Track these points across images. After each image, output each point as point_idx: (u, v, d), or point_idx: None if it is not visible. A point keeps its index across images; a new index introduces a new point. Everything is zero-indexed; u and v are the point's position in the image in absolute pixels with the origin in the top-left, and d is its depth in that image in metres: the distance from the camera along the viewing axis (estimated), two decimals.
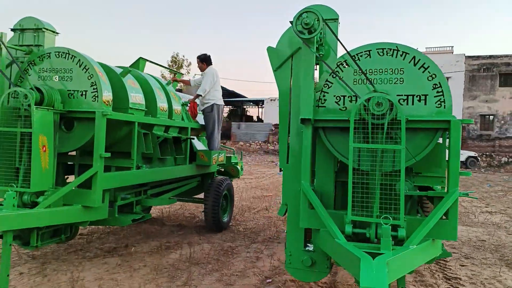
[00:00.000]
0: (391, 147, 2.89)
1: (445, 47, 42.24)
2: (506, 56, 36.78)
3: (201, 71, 6.28)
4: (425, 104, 3.16)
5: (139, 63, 5.71)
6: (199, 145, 6.47)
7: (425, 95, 3.17)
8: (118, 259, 4.70)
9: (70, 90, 4.03)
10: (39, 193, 3.76)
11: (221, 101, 6.16)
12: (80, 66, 4.01)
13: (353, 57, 3.17)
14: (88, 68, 3.99)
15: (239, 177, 7.44)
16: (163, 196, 5.41)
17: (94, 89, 3.97)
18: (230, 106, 48.16)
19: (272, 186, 12.93)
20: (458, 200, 3.05)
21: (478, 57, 36.96)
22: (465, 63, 36.95)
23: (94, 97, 3.96)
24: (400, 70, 3.23)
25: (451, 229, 3.05)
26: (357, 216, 3.02)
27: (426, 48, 42.46)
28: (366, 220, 2.95)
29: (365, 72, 3.26)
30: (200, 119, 6.31)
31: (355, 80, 3.32)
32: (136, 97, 4.57)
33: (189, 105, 6.02)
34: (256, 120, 48.01)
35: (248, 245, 5.60)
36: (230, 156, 7.16)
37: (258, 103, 46.58)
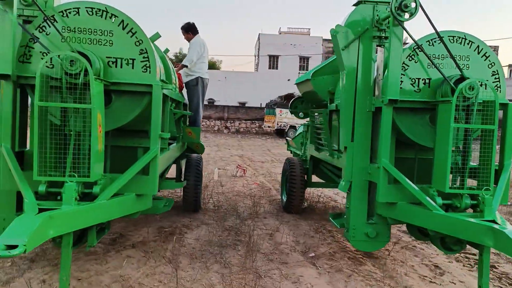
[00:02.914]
0: (484, 127, 3.27)
1: (303, 28, 45.78)
2: None
3: (188, 42, 5.74)
4: (485, 89, 3.64)
5: None
6: None
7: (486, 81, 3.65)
8: (134, 251, 4.17)
9: (110, 58, 3.33)
10: (88, 183, 3.09)
11: (207, 75, 5.77)
12: (124, 29, 3.33)
13: (443, 41, 3.42)
14: (136, 32, 3.35)
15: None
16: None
17: (144, 57, 3.36)
18: None
19: None
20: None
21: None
22: (322, 45, 40.94)
23: (145, 67, 3.37)
24: (467, 57, 3.63)
25: (505, 196, 3.65)
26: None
27: (288, 28, 45.38)
28: (460, 192, 3.31)
29: (437, 57, 3.57)
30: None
31: (428, 64, 3.61)
32: (161, 67, 4.02)
33: None
34: None
35: (243, 223, 5.52)
36: None
37: None
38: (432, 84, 3.61)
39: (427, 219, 3.31)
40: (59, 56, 2.94)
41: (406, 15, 3.32)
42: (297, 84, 6.45)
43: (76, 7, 3.28)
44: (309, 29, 45.29)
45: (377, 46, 3.77)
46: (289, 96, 37.42)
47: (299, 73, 41.23)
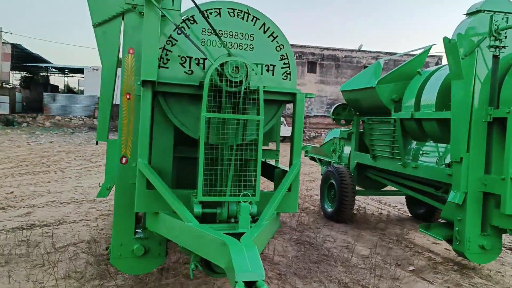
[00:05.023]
0: None
1: None
2: (312, 47, 42.90)
3: None
4: None
5: None
6: None
7: None
8: None
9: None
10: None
11: None
12: (265, 33, 3.06)
13: None
14: (277, 36, 3.09)
15: None
16: None
17: (285, 64, 3.11)
18: (25, 73, 40.99)
19: None
20: None
21: (292, 46, 41.88)
22: None
23: (285, 74, 3.11)
24: None
25: None
26: None
27: None
28: None
29: None
30: None
31: None
32: None
33: None
34: (65, 91, 42.52)
35: (303, 234, 5.33)
36: None
37: (64, 71, 41.11)
38: None
39: None
40: (225, 62, 2.64)
41: None
42: (344, 91, 6.38)
43: (217, 7, 2.95)
44: None
45: (493, 55, 3.77)
46: None
47: None
